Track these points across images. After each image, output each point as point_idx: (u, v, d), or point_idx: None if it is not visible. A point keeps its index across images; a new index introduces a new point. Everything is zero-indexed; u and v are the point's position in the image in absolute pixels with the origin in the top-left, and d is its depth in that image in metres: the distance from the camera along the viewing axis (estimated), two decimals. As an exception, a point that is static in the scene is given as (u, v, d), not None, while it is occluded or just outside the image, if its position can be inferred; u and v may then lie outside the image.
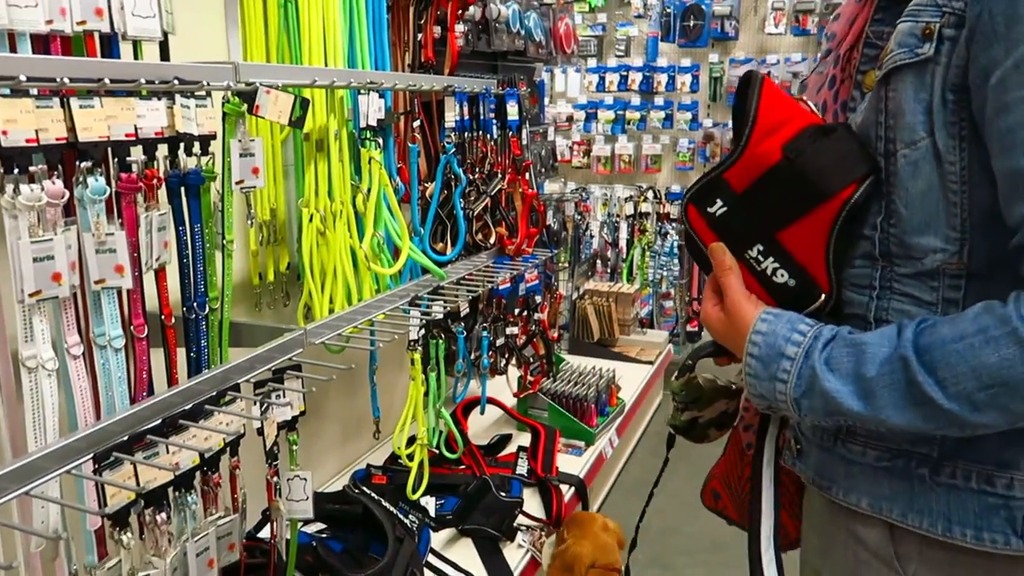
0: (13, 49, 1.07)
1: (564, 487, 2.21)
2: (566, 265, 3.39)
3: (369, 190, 1.66)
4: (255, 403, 1.19)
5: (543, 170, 3.15)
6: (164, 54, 1.31)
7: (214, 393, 1.17)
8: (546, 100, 5.50)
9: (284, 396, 1.26)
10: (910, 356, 0.73)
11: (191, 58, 1.35)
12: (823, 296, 0.84)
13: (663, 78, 5.14)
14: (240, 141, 1.24)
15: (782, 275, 0.86)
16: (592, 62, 5.31)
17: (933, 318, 0.77)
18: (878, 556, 0.85)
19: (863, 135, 0.82)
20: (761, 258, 0.87)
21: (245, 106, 1.23)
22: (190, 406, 1.13)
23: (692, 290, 3.66)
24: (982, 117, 0.73)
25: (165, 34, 1.29)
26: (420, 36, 2.08)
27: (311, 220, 1.67)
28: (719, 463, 1.18)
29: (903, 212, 0.79)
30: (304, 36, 1.64)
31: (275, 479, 1.25)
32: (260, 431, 1.22)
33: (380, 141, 1.66)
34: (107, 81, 1.04)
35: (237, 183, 1.25)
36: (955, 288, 0.78)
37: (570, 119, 5.36)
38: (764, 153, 0.84)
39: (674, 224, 3.57)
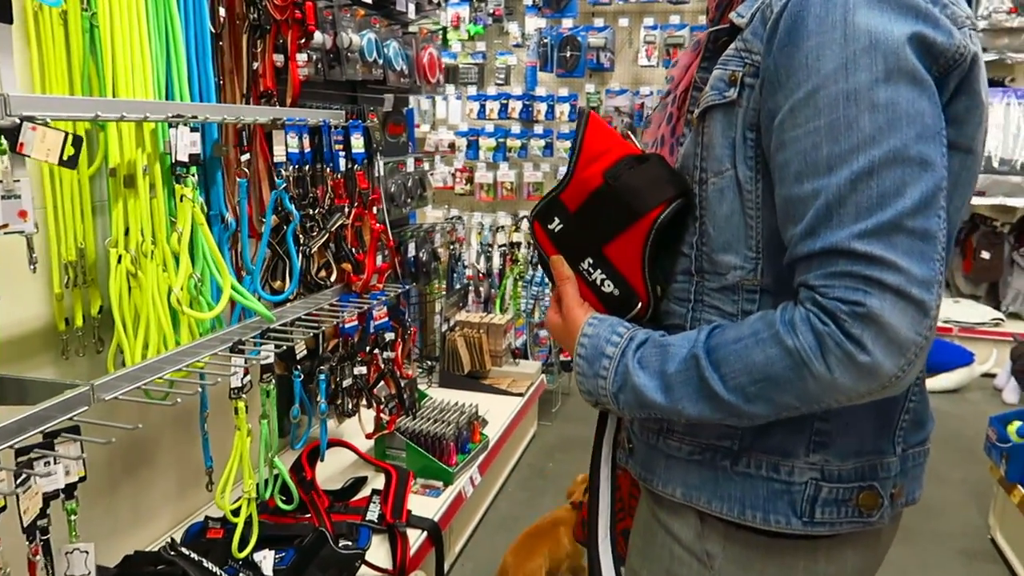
0: None
1: (415, 532, 2.13)
2: (439, 296, 3.34)
3: (181, 230, 1.55)
4: (13, 473, 1.06)
5: (409, 200, 3.08)
6: (-80, 84, 1.18)
7: (-36, 464, 1.05)
8: (426, 127, 5.47)
9: (54, 463, 1.14)
10: (701, 355, 0.84)
11: None
12: (639, 304, 0.95)
13: (543, 107, 5.20)
14: (2, 182, 1.12)
15: (608, 285, 0.97)
16: (472, 90, 5.31)
17: (725, 323, 0.88)
18: (690, 551, 0.96)
19: (685, 165, 0.93)
20: (592, 270, 0.98)
21: (7, 144, 1.12)
22: (-71, 482, 1.00)
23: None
24: (770, 153, 0.83)
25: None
26: (257, 65, 1.99)
27: (119, 261, 1.55)
28: None
29: (711, 232, 0.90)
30: (107, 64, 1.53)
31: (38, 557, 1.12)
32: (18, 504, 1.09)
33: (195, 177, 1.56)
34: None
35: (0, 227, 1.13)
36: (751, 301, 0.89)
37: (452, 146, 5.33)
38: (588, 178, 0.96)
39: (545, 254, 3.58)
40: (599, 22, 5.04)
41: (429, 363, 3.36)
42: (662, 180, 0.92)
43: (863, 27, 0.76)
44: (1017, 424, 2.88)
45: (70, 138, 1.13)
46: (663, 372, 0.87)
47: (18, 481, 1.05)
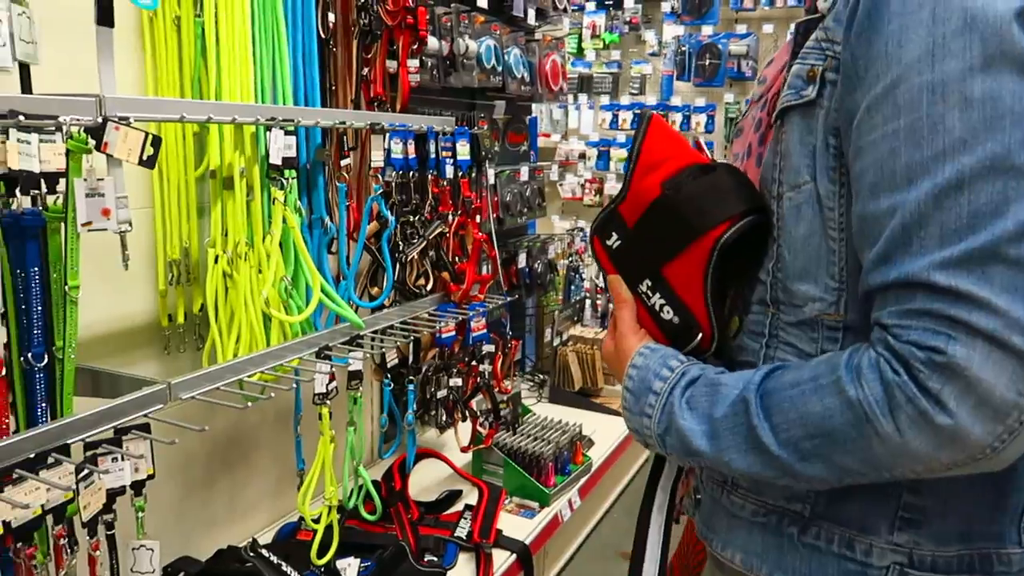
0: None
1: (503, 553, 2.05)
2: (554, 309, 3.25)
3: (273, 232, 1.56)
4: (76, 469, 1.08)
5: (526, 210, 3.02)
6: (27, 86, 1.24)
7: (32, 455, 1.07)
8: (557, 137, 5.41)
9: (122, 459, 1.15)
10: (752, 399, 0.73)
11: (84, 89, 1.27)
12: (700, 335, 0.84)
13: (678, 117, 5.01)
14: (87, 180, 1.14)
15: (667, 311, 0.86)
16: (605, 99, 5.20)
17: (788, 363, 0.75)
18: None
19: (764, 177, 0.81)
20: (650, 293, 0.87)
21: (92, 143, 1.14)
22: (-3, 469, 1.03)
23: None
24: (850, 162, 0.71)
25: (24, 65, 1.22)
26: (367, 71, 1.99)
27: (216, 261, 1.58)
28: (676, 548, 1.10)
29: (787, 257, 0.78)
30: (212, 68, 1.56)
31: (98, 552, 1.13)
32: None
33: (290, 181, 1.56)
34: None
35: (84, 225, 1.16)
36: (833, 340, 0.75)
37: (582, 156, 5.25)
38: (646, 189, 0.86)
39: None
40: (741, 29, 4.80)
41: (540, 376, 3.28)
42: (730, 193, 0.80)
43: (956, 2, 0.63)
44: None
45: (149, 138, 1.14)
46: (710, 416, 0.75)
47: (79, 476, 1.05)
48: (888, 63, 0.66)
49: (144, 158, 1.13)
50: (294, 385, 1.51)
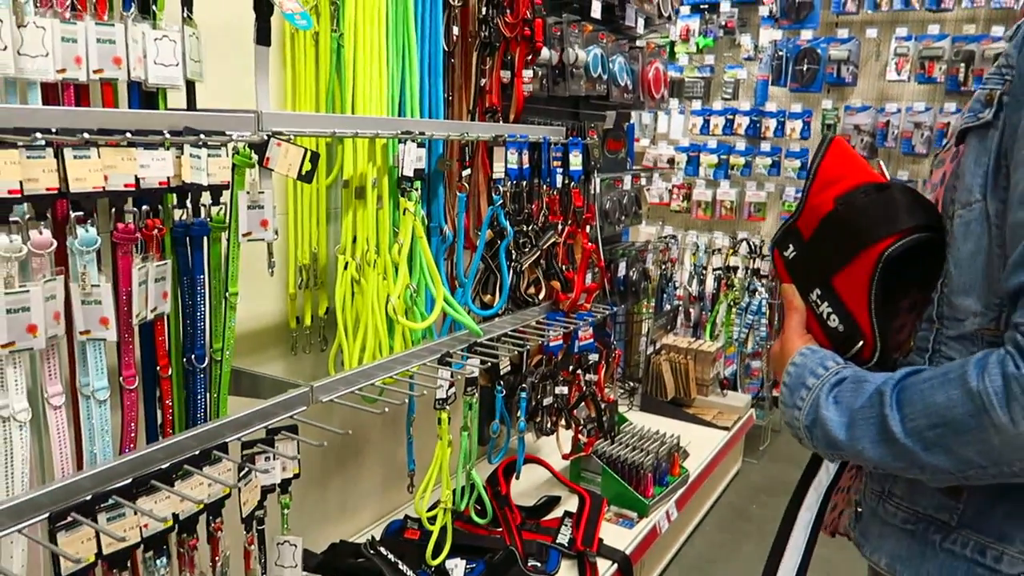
0: (24, 99, 1.09)
1: (605, 563, 2.06)
2: (647, 318, 3.25)
3: (402, 241, 1.61)
4: (237, 467, 1.14)
5: (623, 218, 3.02)
6: (191, 102, 1.31)
7: (197, 452, 1.14)
8: (646, 141, 5.38)
9: (272, 459, 1.21)
10: (888, 391, 0.76)
11: (233, 104, 1.34)
12: (861, 343, 0.87)
13: (772, 123, 4.91)
14: (248, 193, 1.21)
15: (834, 319, 0.90)
16: (697, 104, 5.14)
17: (928, 366, 0.79)
18: None
19: (944, 197, 0.83)
20: (820, 301, 0.91)
21: (256, 157, 1.20)
22: (167, 465, 1.10)
23: (779, 353, 3.42)
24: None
25: (190, 82, 1.29)
26: (484, 81, 2.03)
27: (346, 268, 1.64)
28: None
29: (953, 272, 0.80)
30: (348, 81, 1.62)
31: (252, 547, 1.19)
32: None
33: (418, 191, 1.60)
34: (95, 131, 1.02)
35: (244, 235, 1.22)
36: None
37: (671, 161, 5.20)
38: (820, 203, 0.91)
39: (764, 281, 3.35)
40: (843, 33, 4.67)
41: (632, 384, 3.27)
42: (900, 210, 0.83)
43: None
44: None
45: (308, 154, 1.19)
46: (851, 408, 0.80)
47: (241, 474, 1.12)
48: None
49: (303, 173, 1.19)
50: (423, 392, 1.55)
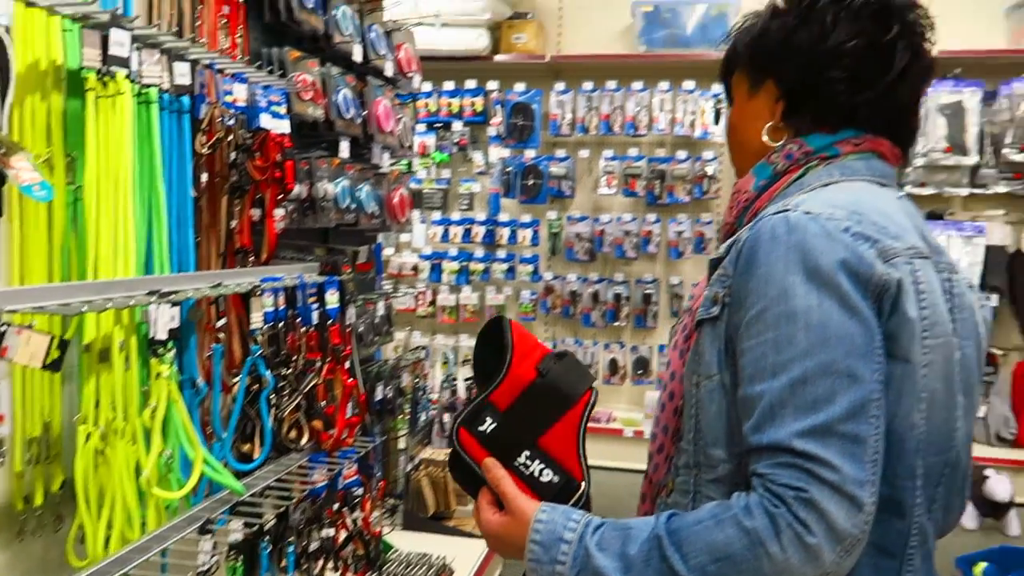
0: None
1: None
2: (404, 434, 3.27)
3: (155, 404, 1.51)
4: None
5: (375, 338, 3.07)
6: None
7: None
8: (390, 250, 5.52)
9: None
10: (663, 535, 0.90)
11: None
12: (578, 483, 1.03)
13: (505, 232, 5.31)
14: (-21, 387, 1.09)
15: (547, 474, 1.03)
16: (437, 214, 5.41)
17: (681, 512, 0.95)
18: None
19: (688, 368, 1.05)
20: (528, 462, 1.03)
21: (-12, 348, 1.09)
22: None
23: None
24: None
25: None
26: (234, 223, 2.00)
27: (87, 440, 1.49)
28: None
29: (704, 429, 1.01)
30: (90, 237, 1.52)
31: None
32: None
33: (172, 351, 1.53)
34: None
35: (-27, 434, 1.09)
36: (737, 493, 0.93)
37: (415, 269, 5.38)
38: (521, 375, 1.05)
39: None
40: (560, 152, 5.23)
41: (392, 502, 3.26)
42: (584, 372, 1.08)
43: (797, 260, 0.91)
44: (983, 566, 2.90)
45: (56, 341, 1.11)
46: (624, 554, 0.91)
47: None
48: (758, 296, 0.93)
49: (48, 362, 1.10)
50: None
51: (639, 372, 5.21)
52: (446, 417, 3.61)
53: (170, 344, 1.53)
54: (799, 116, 1.06)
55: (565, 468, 1.03)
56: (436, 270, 5.35)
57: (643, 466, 1.14)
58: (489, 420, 1.04)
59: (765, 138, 1.08)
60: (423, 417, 3.58)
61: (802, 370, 0.88)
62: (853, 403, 0.87)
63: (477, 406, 1.06)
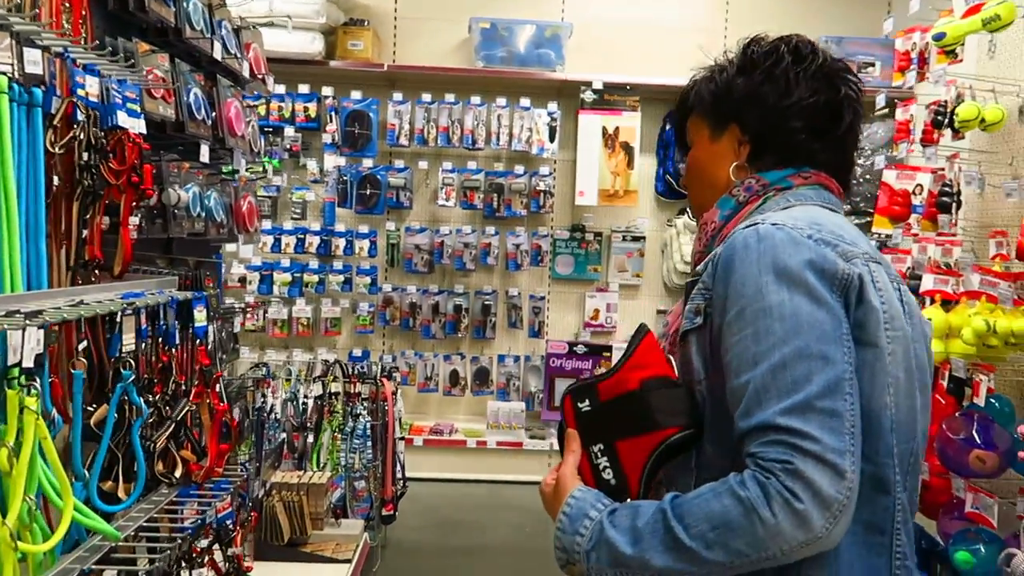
0: None
1: None
2: (248, 458, 3.06)
3: (13, 445, 1.30)
4: None
5: (223, 356, 2.85)
6: None
7: None
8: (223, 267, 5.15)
9: None
10: (667, 508, 1.01)
11: None
12: (627, 499, 1.10)
13: (341, 242, 5.14)
14: None
15: (608, 472, 1.13)
16: (267, 223, 5.12)
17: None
18: None
19: (681, 380, 1.14)
20: (599, 455, 1.14)
21: None
22: None
23: (386, 474, 3.52)
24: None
25: None
26: (85, 232, 1.77)
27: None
28: None
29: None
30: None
31: None
32: None
33: (37, 383, 1.32)
34: None
35: None
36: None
37: (243, 280, 5.06)
38: (628, 379, 1.13)
39: (365, 404, 3.46)
40: (399, 162, 5.16)
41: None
42: (684, 407, 1.11)
43: (768, 263, 1.03)
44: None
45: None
46: (633, 527, 1.02)
47: None
48: (736, 298, 1.04)
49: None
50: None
51: (479, 383, 5.25)
52: (297, 440, 3.42)
53: (37, 372, 1.32)
54: (762, 158, 1.20)
55: (626, 477, 1.11)
56: (266, 281, 5.07)
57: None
58: (588, 403, 1.15)
59: (732, 176, 1.21)
60: (270, 439, 3.37)
61: (780, 356, 0.98)
62: (828, 382, 0.97)
63: (588, 386, 1.16)
